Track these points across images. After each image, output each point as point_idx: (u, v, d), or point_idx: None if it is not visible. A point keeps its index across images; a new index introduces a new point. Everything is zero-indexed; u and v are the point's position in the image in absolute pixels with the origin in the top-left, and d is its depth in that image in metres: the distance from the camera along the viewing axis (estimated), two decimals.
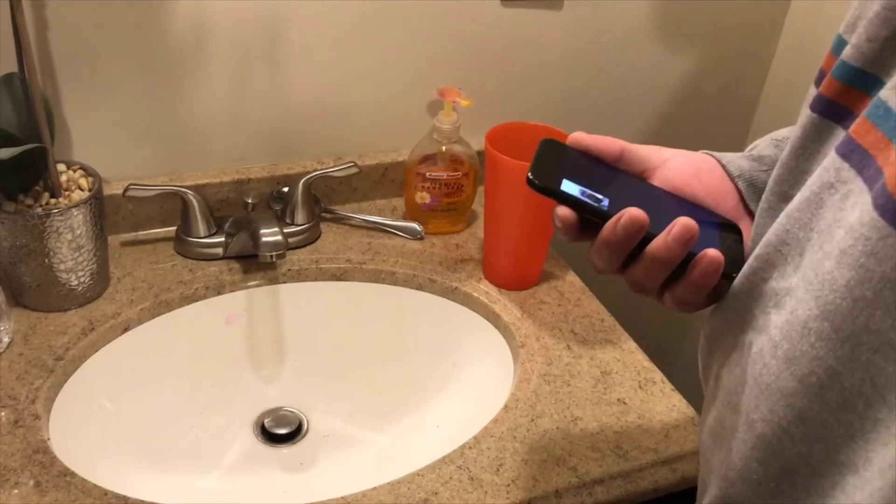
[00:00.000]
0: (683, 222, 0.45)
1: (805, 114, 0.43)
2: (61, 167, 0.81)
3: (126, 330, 0.83)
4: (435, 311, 0.91)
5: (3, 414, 0.70)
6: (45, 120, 0.76)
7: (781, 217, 0.42)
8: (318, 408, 0.90)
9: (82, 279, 0.81)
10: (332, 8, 0.89)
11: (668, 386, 0.80)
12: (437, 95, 0.89)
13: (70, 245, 0.78)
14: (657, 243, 0.45)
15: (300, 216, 0.93)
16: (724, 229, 0.50)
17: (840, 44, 0.43)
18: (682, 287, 0.47)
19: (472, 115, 0.93)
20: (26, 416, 0.71)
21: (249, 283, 0.89)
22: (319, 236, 0.95)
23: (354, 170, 0.93)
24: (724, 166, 0.53)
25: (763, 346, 0.42)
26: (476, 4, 0.94)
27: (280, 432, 0.88)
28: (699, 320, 1.29)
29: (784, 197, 0.45)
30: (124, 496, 0.65)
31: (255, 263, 0.90)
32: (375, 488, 0.68)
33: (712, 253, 0.45)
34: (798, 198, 0.41)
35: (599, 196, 0.48)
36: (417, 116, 0.99)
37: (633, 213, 0.45)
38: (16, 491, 0.64)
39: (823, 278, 0.37)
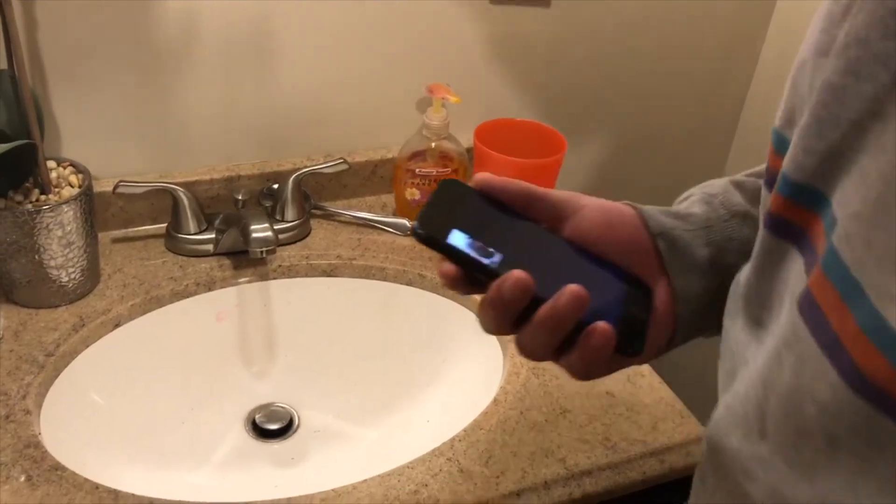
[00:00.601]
0: (572, 290, 0.41)
1: (761, 231, 0.42)
2: (51, 164, 0.81)
3: (117, 326, 0.83)
4: (425, 307, 0.91)
5: None
6: (35, 117, 0.76)
7: (749, 368, 0.40)
8: (310, 403, 0.91)
9: (73, 275, 0.81)
10: (321, 7, 0.89)
11: (657, 379, 0.81)
12: (426, 92, 0.90)
13: (60, 241, 0.78)
14: (545, 310, 0.42)
15: (290, 213, 0.93)
16: (631, 292, 0.46)
17: (779, 140, 0.41)
18: (574, 357, 0.44)
19: (460, 112, 0.94)
20: (17, 411, 0.71)
21: (240, 280, 0.89)
22: (309, 233, 0.95)
23: (344, 166, 0.94)
24: (644, 221, 0.49)
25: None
26: (465, 3, 0.95)
27: (271, 428, 0.88)
28: None
29: (757, 321, 0.43)
30: (115, 490, 0.65)
31: (245, 260, 0.90)
32: (366, 480, 0.68)
33: (602, 327, 0.42)
34: (764, 349, 0.39)
35: (492, 250, 0.44)
36: (407, 113, 0.99)
37: (518, 276, 0.41)
38: (7, 486, 0.64)
39: (816, 461, 0.34)
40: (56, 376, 0.77)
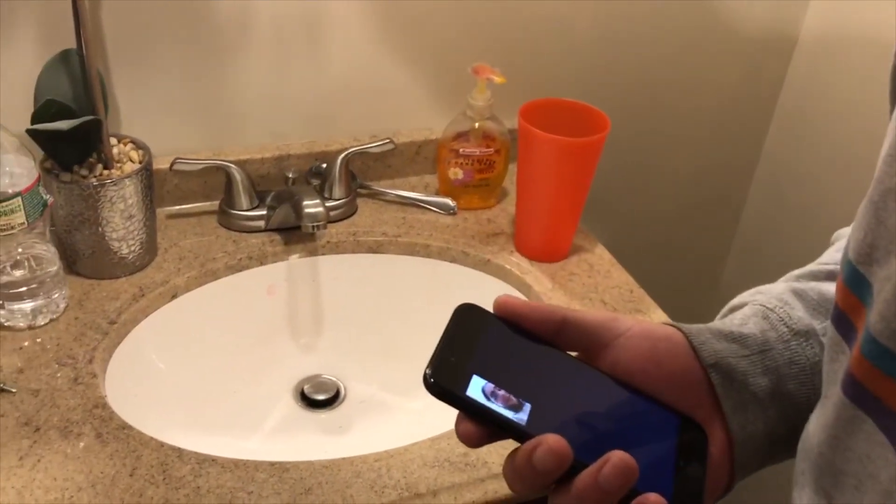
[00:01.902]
0: (617, 462, 0.35)
1: (836, 393, 0.36)
2: (113, 141, 0.85)
3: (174, 297, 0.86)
4: (468, 283, 0.94)
5: (64, 372, 0.74)
6: (101, 95, 0.80)
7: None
8: (355, 375, 0.94)
9: (133, 248, 0.85)
10: None
11: None
12: (471, 73, 0.92)
13: (122, 214, 0.82)
14: (585, 481, 0.36)
15: (338, 191, 0.96)
16: (684, 438, 0.41)
17: (855, 278, 0.35)
18: None
19: (504, 93, 0.96)
20: (84, 374, 0.75)
21: (290, 255, 0.93)
22: (356, 211, 0.98)
23: (391, 146, 0.97)
24: (694, 348, 0.43)
25: None
26: None
27: (319, 398, 0.91)
28: (727, 291, 1.32)
29: (826, 495, 0.37)
30: (179, 448, 0.69)
31: (295, 235, 0.93)
32: (417, 443, 0.71)
33: (655, 500, 0.36)
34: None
35: (519, 399, 0.38)
36: (451, 94, 1.02)
37: (552, 444, 0.35)
38: (81, 443, 0.68)
39: None
40: (118, 343, 0.80)
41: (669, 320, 0.42)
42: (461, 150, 0.96)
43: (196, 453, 0.68)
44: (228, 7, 0.88)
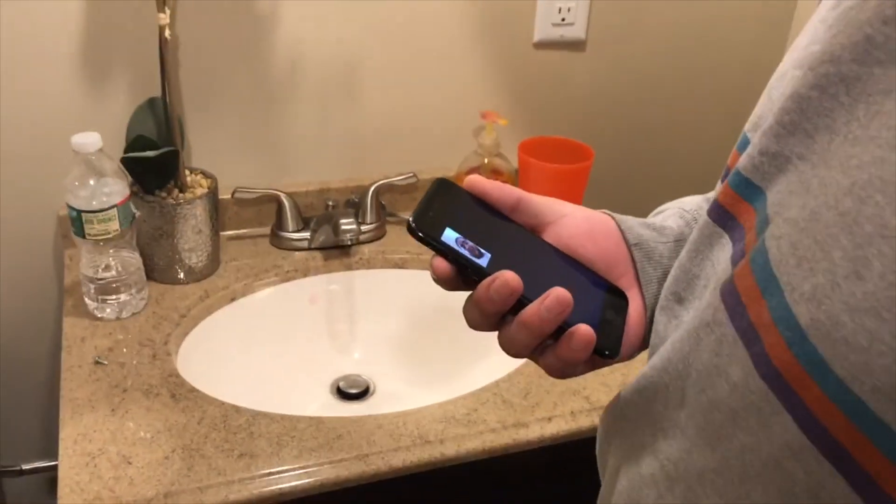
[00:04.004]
0: (557, 294, 0.43)
1: (703, 217, 0.44)
2: (186, 171, 1.04)
3: (233, 299, 1.04)
4: None
5: (145, 351, 0.92)
6: (179, 133, 0.99)
7: (667, 344, 0.42)
8: (383, 373, 1.10)
9: (200, 258, 1.03)
10: (396, 51, 1.12)
11: None
12: (480, 118, 1.11)
13: (193, 229, 1.01)
14: (529, 311, 0.43)
15: (370, 217, 1.14)
16: (608, 298, 0.49)
17: (743, 141, 0.43)
18: (553, 356, 0.45)
19: (508, 136, 1.14)
20: (161, 353, 0.92)
21: (329, 269, 1.10)
22: (385, 234, 1.16)
23: (413, 179, 1.15)
24: (622, 231, 0.51)
25: (655, 473, 0.42)
26: (512, 47, 1.16)
27: (352, 392, 1.07)
28: None
29: (678, 299, 0.45)
30: (236, 405, 0.85)
31: (333, 253, 1.11)
32: (428, 406, 0.87)
33: (584, 330, 0.43)
34: (684, 326, 0.41)
35: (481, 250, 0.46)
36: (464, 136, 1.20)
37: (507, 277, 0.43)
38: (159, 400, 0.85)
39: (718, 433, 0.37)
40: (188, 332, 0.98)
41: (608, 211, 0.53)
42: None
43: (250, 409, 0.85)
44: (280, 64, 1.08)
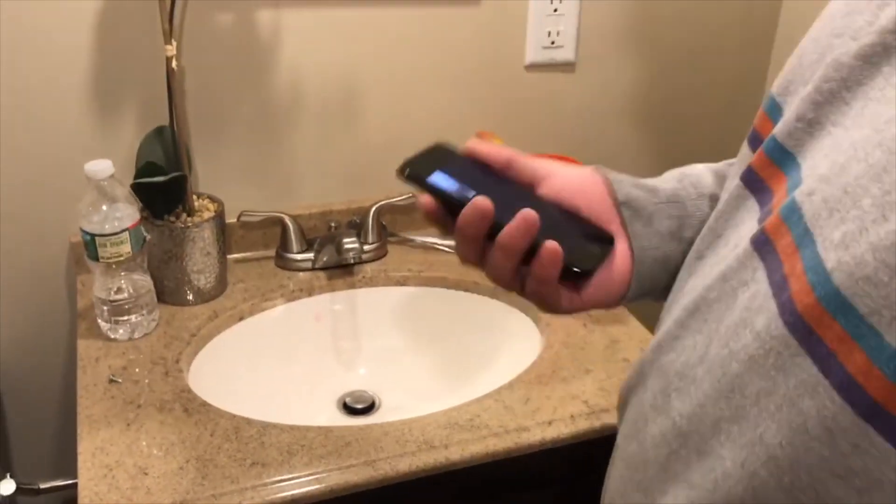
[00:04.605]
0: (524, 213, 0.46)
1: (734, 181, 0.45)
2: (194, 196, 1.08)
3: (241, 319, 1.07)
4: (478, 307, 1.14)
5: (157, 369, 0.95)
6: (186, 160, 1.03)
7: (688, 290, 0.44)
8: (388, 387, 1.13)
9: (209, 279, 1.06)
10: (394, 77, 1.16)
11: None
12: (476, 137, 1.15)
13: (201, 251, 1.04)
14: (503, 233, 0.47)
15: (372, 237, 1.18)
16: (590, 233, 0.51)
17: (773, 105, 0.44)
18: (531, 281, 0.48)
19: None
20: (173, 370, 0.95)
21: (333, 288, 1.14)
22: (387, 253, 1.20)
23: (413, 200, 1.18)
24: (612, 189, 0.53)
25: (667, 431, 0.43)
26: (506, 69, 1.21)
27: (358, 407, 1.10)
28: None
29: (699, 256, 0.46)
30: (247, 418, 0.88)
31: (337, 272, 1.15)
32: (433, 413, 0.90)
33: (550, 244, 0.46)
34: (708, 275, 0.42)
35: (467, 189, 0.49)
36: None
37: (478, 201, 0.47)
38: (171, 414, 0.88)
39: (734, 382, 0.38)
40: (198, 350, 1.01)
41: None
42: None
43: (261, 421, 0.88)
44: (282, 93, 1.13)
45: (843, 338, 0.32)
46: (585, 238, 0.50)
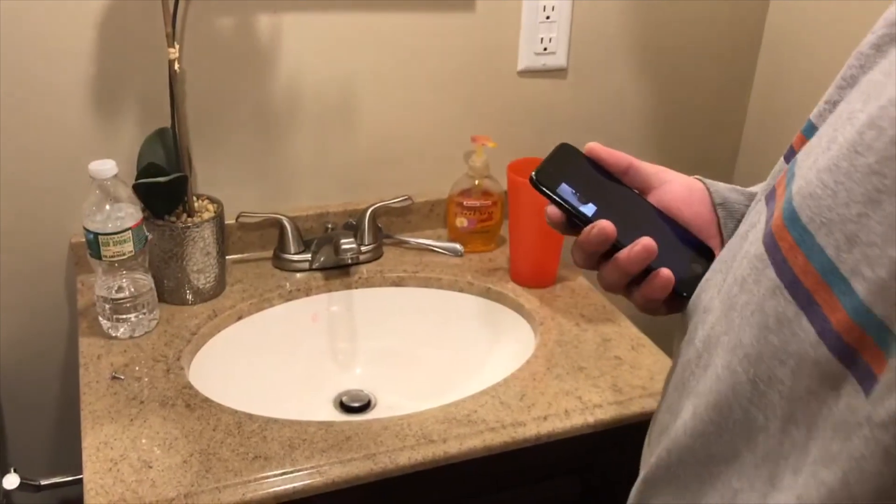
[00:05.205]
0: (645, 242, 0.52)
1: (780, 163, 0.51)
2: (194, 197, 1.09)
3: (240, 318, 1.09)
4: (473, 307, 1.16)
5: (158, 366, 0.97)
6: (187, 161, 1.05)
7: (725, 248, 0.51)
8: (384, 386, 1.14)
9: (208, 279, 1.08)
10: (390, 82, 1.19)
11: (656, 347, 1.03)
12: (470, 142, 1.17)
13: (201, 251, 1.06)
14: (621, 255, 0.53)
15: (368, 238, 1.20)
16: (695, 251, 0.56)
17: (809, 126, 0.48)
18: (639, 293, 0.55)
19: (496, 155, 1.21)
20: (174, 367, 0.97)
21: (330, 289, 1.15)
22: (382, 255, 1.22)
23: (409, 202, 1.21)
24: (710, 193, 0.59)
25: (690, 357, 0.49)
26: (499, 75, 1.23)
27: (354, 405, 1.12)
28: None
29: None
30: (249, 413, 0.90)
31: (334, 273, 1.16)
32: (430, 409, 0.92)
33: (664, 273, 0.53)
34: (737, 232, 0.50)
35: (590, 203, 0.54)
36: (455, 160, 1.26)
37: (604, 225, 0.53)
38: (173, 410, 0.90)
39: (732, 302, 0.45)
40: (198, 349, 1.03)
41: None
42: (465, 203, 1.20)
43: (262, 416, 0.89)
44: (281, 96, 1.15)
45: (792, 245, 0.40)
46: (690, 256, 0.56)
